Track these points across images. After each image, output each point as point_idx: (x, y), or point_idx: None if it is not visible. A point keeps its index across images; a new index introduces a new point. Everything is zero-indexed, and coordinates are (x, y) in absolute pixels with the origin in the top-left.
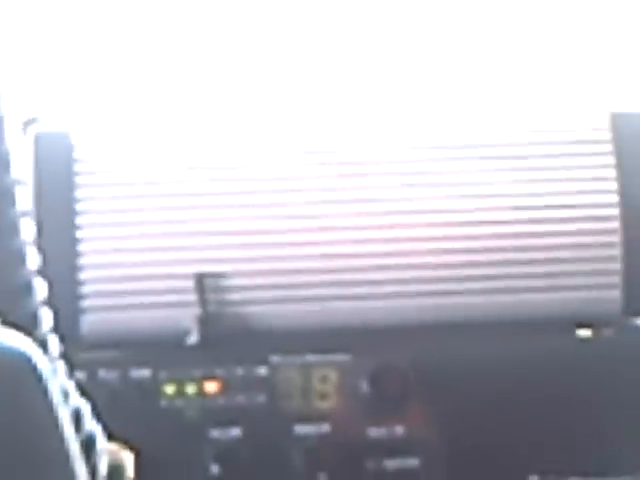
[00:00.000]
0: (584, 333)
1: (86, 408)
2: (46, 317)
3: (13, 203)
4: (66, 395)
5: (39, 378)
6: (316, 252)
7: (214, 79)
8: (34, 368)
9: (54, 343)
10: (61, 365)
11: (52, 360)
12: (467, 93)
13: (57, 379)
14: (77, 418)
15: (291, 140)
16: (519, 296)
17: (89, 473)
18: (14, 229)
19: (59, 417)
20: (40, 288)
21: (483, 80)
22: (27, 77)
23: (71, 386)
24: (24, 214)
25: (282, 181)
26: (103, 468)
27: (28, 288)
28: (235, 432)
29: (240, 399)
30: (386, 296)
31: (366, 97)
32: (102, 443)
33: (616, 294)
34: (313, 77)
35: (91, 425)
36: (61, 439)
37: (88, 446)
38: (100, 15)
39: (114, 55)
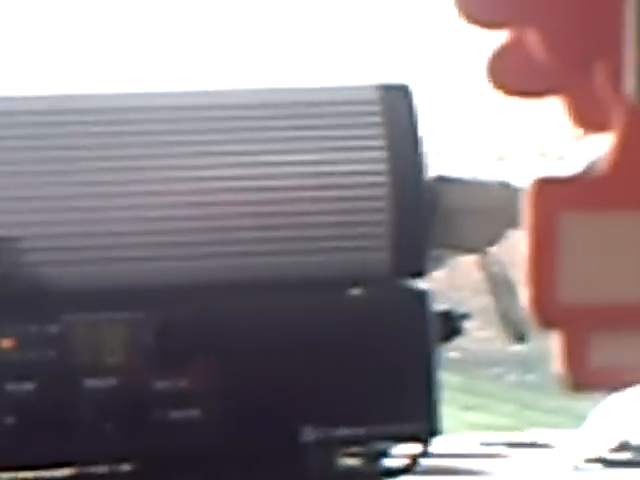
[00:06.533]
0: (355, 292)
1: None
2: None
3: None
4: None
5: None
6: (103, 217)
7: None
8: None
9: None
10: None
11: None
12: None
13: None
14: None
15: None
16: (296, 257)
17: None
18: None
19: None
20: None
21: (245, 47)
22: None
23: None
24: None
25: (74, 150)
26: None
27: None
28: (29, 386)
29: (33, 355)
30: (171, 258)
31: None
32: None
33: (385, 256)
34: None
35: None
36: None
37: None
38: None
39: None
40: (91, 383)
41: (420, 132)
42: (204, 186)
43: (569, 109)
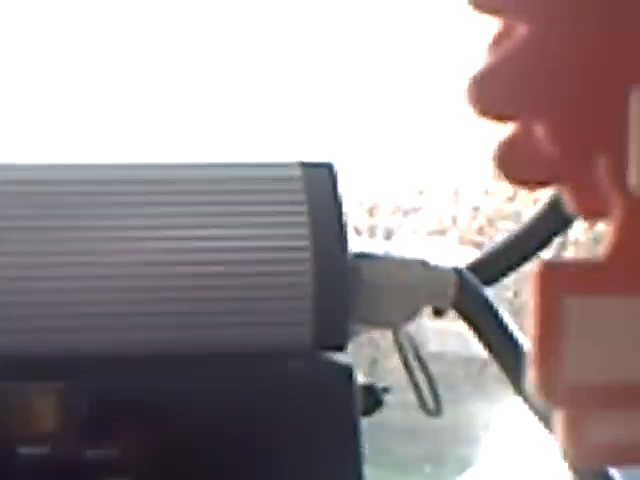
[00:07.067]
0: (279, 366)
1: None
2: None
3: None
4: None
5: None
6: (35, 286)
7: None
8: None
9: None
10: None
11: None
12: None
13: None
14: None
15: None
16: (220, 331)
17: None
18: None
19: None
20: None
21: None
22: None
23: None
24: None
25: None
26: None
27: None
28: None
29: None
30: (104, 328)
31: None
32: None
33: (307, 330)
34: None
35: None
36: None
37: None
38: None
39: None
40: (24, 451)
41: (343, 209)
42: (133, 259)
43: (571, 198)
